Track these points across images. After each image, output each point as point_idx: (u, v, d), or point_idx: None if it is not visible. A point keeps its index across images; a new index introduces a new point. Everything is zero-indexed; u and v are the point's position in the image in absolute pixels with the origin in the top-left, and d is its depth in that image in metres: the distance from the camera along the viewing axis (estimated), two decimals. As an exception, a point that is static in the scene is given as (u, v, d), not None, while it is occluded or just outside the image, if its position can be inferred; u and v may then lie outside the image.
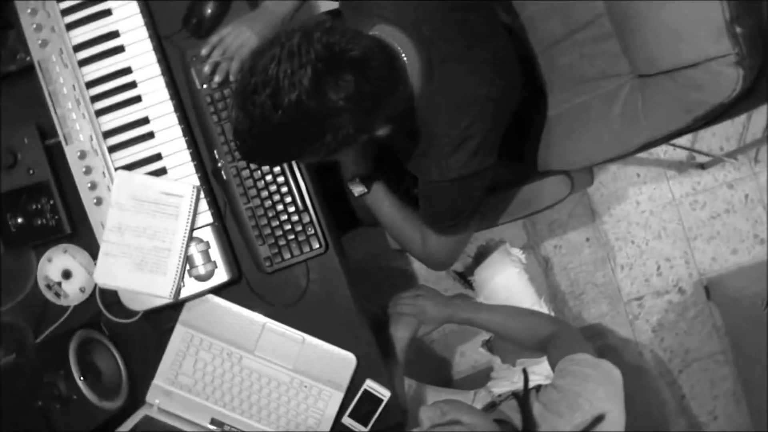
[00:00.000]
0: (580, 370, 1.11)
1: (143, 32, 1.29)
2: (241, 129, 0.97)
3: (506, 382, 1.54)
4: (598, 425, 1.01)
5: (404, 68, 1.08)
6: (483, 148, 1.13)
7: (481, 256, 1.67)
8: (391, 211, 1.34)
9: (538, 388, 1.20)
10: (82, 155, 1.27)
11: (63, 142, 1.27)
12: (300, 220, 1.29)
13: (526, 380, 1.19)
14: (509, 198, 1.49)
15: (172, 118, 1.29)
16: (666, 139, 1.20)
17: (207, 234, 1.28)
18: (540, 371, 1.43)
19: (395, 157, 1.25)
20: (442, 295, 1.51)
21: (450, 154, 1.12)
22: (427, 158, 1.16)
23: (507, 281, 1.58)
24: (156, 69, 1.29)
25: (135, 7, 1.29)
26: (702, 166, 2.25)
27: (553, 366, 1.19)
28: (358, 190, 1.32)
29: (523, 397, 1.14)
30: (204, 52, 1.27)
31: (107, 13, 1.29)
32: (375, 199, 1.33)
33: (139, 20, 1.29)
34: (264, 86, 0.92)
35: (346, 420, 1.29)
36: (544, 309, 1.56)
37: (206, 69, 1.27)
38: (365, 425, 1.29)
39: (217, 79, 1.28)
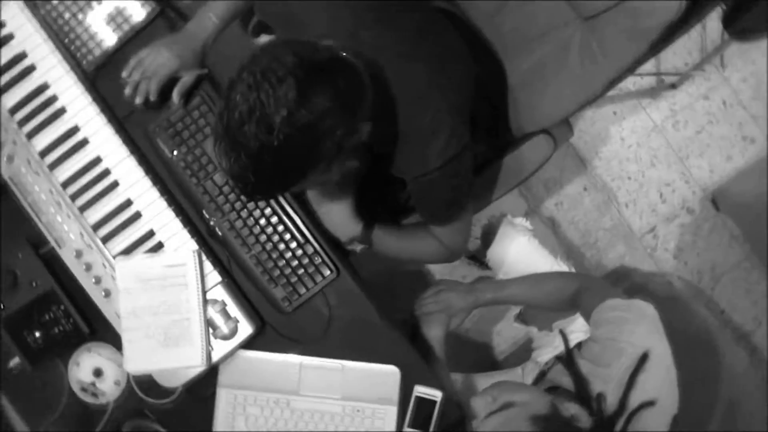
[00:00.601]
0: (613, 315, 1.11)
1: (101, 120, 1.29)
2: (239, 168, 0.95)
3: (549, 348, 1.54)
4: (645, 364, 1.01)
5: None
6: (455, 133, 1.14)
7: (488, 234, 1.67)
8: (397, 245, 1.35)
9: (579, 345, 1.20)
10: (78, 254, 1.28)
11: (56, 248, 1.28)
12: (305, 253, 1.30)
13: (566, 341, 1.19)
14: (496, 172, 1.50)
15: (154, 193, 1.29)
16: (629, 71, 1.21)
17: (220, 293, 1.28)
18: (578, 328, 1.42)
19: (381, 166, 1.25)
20: (463, 284, 1.51)
21: (426, 147, 1.13)
22: (406, 156, 1.17)
23: (520, 252, 1.58)
24: (124, 151, 1.29)
25: (87, 99, 1.30)
26: (673, 86, 2.26)
27: (587, 320, 1.19)
28: (359, 249, 1.33)
29: (567, 359, 1.14)
30: (124, 74, 1.26)
31: (62, 112, 1.30)
32: (378, 246, 1.34)
33: (94, 110, 1.30)
34: (250, 115, 0.90)
35: (408, 430, 1.29)
36: (563, 267, 1.56)
37: (126, 91, 1.26)
38: (428, 430, 1.29)
39: (138, 100, 1.26)
